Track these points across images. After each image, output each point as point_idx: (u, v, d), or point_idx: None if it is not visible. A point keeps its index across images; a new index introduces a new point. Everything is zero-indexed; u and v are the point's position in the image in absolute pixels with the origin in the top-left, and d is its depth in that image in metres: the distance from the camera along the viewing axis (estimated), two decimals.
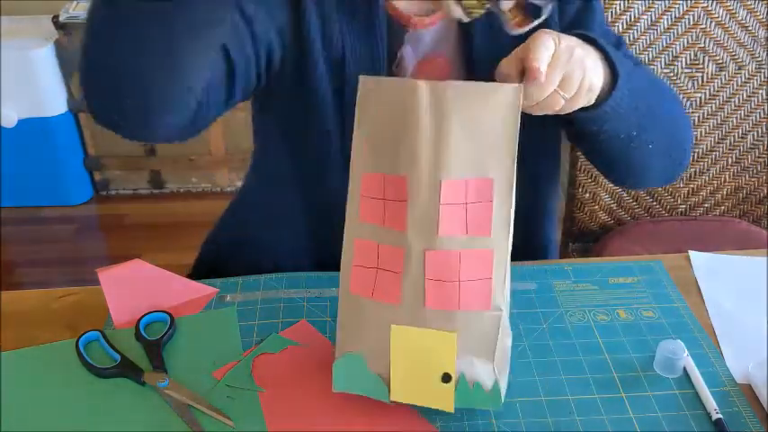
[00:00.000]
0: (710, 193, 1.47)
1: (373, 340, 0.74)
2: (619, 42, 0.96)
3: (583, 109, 0.81)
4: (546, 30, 0.75)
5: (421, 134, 0.70)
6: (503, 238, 0.71)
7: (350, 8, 0.88)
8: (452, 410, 0.73)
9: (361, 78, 0.73)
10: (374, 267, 0.74)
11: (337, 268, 0.76)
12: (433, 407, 0.74)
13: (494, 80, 0.77)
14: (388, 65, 0.91)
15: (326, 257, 0.91)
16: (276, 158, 1.00)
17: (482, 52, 0.90)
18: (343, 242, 0.75)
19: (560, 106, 0.77)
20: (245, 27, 0.84)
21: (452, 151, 0.69)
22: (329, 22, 0.88)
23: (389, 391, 0.74)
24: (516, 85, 0.69)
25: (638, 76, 0.88)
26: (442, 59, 0.93)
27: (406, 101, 0.70)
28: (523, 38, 0.76)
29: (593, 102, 0.81)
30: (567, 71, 0.75)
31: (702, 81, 1.39)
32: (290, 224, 1.02)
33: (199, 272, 1.12)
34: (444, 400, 0.73)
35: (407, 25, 0.90)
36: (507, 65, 0.76)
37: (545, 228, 1.08)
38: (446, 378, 0.73)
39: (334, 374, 0.76)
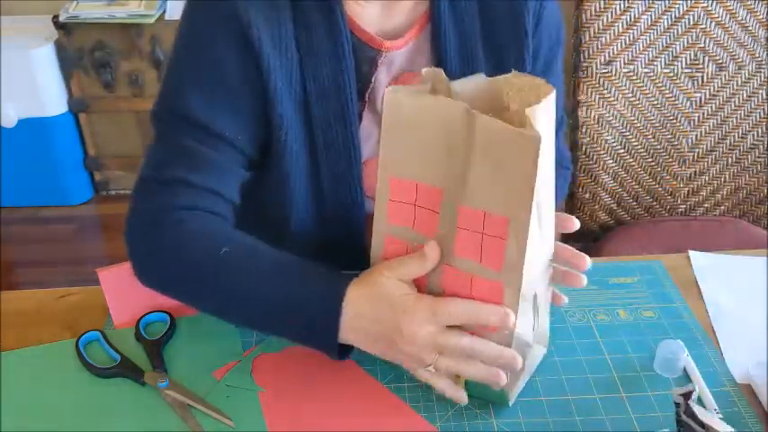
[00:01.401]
0: (710, 193, 1.47)
1: None
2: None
3: None
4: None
5: (454, 154, 0.70)
6: (515, 276, 0.70)
7: (308, 41, 0.85)
8: (466, 402, 0.76)
9: (390, 88, 0.72)
10: None
11: None
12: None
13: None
14: (360, 88, 0.89)
15: None
16: (246, 198, 0.93)
17: (455, 68, 0.89)
18: (373, 239, 0.77)
19: None
20: (242, 159, 0.88)
21: (475, 181, 0.69)
22: (288, 59, 0.85)
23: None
24: (537, 135, 0.66)
25: None
26: (417, 79, 0.91)
27: (441, 117, 0.70)
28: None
29: None
30: None
31: (702, 81, 1.39)
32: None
33: None
34: (459, 390, 0.76)
35: (380, 49, 0.88)
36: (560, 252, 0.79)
37: None
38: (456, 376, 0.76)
39: None
